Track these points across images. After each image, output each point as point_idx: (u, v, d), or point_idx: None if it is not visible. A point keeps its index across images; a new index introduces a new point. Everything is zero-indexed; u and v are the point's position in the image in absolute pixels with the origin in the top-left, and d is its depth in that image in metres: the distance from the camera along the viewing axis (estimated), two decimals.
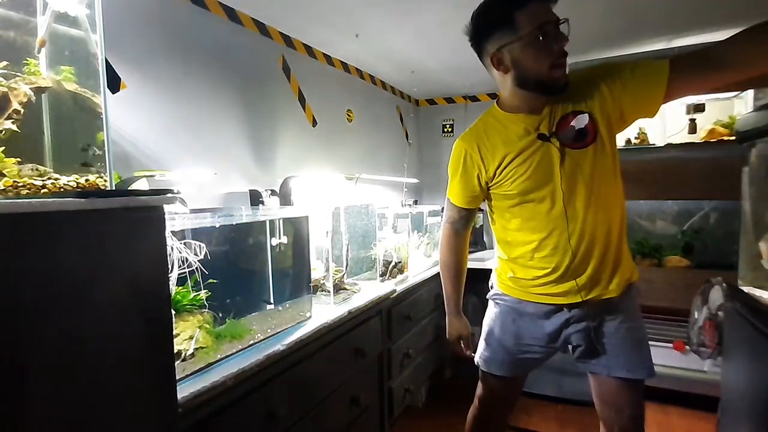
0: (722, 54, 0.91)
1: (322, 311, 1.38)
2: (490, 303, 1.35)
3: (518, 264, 1.21)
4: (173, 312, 0.90)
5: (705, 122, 2.41)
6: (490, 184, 1.19)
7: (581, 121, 1.05)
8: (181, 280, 1.00)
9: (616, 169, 1.11)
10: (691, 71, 0.95)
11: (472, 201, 1.25)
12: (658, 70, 0.96)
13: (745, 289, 1.39)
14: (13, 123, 0.67)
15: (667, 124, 2.47)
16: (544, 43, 0.99)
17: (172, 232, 0.94)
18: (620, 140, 2.56)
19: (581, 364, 1.22)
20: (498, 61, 1.06)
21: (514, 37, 1.00)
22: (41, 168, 0.68)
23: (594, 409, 1.26)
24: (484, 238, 3.18)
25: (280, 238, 1.34)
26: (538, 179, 1.10)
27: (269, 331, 1.18)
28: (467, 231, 1.34)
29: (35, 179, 0.67)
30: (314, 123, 2.32)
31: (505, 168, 1.13)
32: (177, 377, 0.79)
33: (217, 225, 1.14)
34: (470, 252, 2.77)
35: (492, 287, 1.35)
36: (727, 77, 0.92)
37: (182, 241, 0.99)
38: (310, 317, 1.32)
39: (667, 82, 0.95)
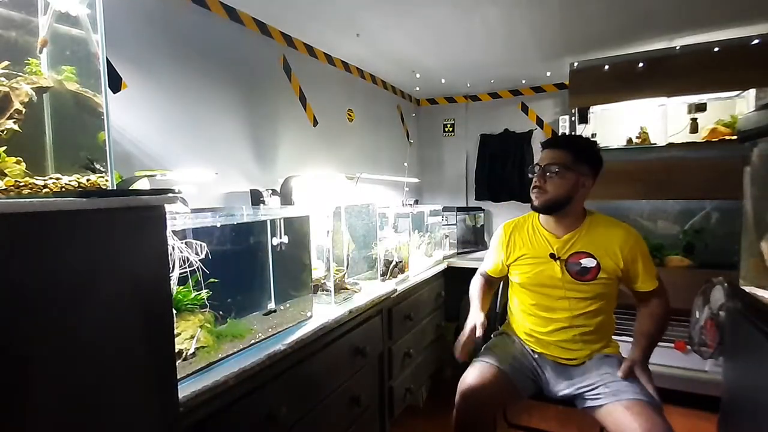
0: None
1: (323, 311, 1.38)
2: None
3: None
4: (174, 311, 0.91)
5: (707, 122, 2.41)
6: (509, 264, 1.53)
7: (589, 263, 1.34)
8: (182, 280, 1.00)
9: (610, 299, 1.38)
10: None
11: (494, 271, 1.60)
12: (647, 280, 1.33)
13: (747, 288, 1.39)
14: (14, 123, 0.68)
15: (669, 124, 2.46)
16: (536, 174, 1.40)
17: (173, 231, 0.94)
18: (622, 140, 2.56)
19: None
20: None
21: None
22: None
23: (593, 409, 1.26)
24: (485, 238, 3.19)
25: (281, 238, 1.34)
26: (537, 281, 1.41)
27: (270, 330, 1.18)
28: (492, 284, 1.67)
29: (37, 179, 0.67)
30: (315, 123, 2.32)
31: (518, 262, 1.47)
32: (178, 377, 0.79)
33: (218, 224, 1.14)
34: (470, 251, 2.83)
35: None
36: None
37: (183, 241, 1.00)
38: (310, 317, 1.33)
39: (637, 292, 1.36)
